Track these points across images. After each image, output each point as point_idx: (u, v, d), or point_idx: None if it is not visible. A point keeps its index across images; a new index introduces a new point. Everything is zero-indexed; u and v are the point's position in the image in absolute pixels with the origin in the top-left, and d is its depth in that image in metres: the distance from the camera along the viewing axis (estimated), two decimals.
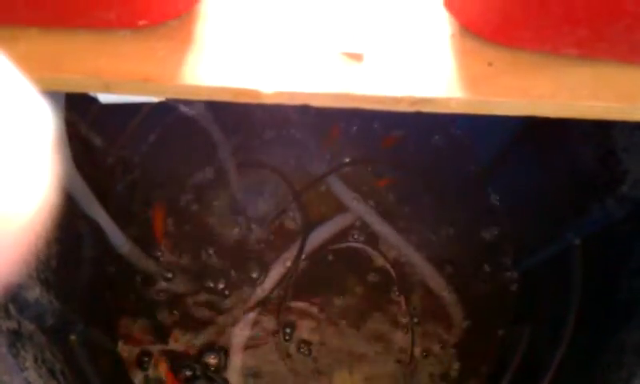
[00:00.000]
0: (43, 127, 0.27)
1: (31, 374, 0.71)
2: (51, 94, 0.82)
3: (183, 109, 1.17)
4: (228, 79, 0.56)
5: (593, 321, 1.02)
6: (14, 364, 0.68)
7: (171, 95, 0.59)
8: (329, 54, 0.59)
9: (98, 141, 1.11)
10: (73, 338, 0.92)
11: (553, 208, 1.17)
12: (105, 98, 0.73)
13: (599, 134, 1.01)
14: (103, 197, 1.04)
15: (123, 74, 0.56)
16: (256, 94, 0.57)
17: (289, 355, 1.24)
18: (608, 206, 1.01)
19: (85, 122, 1.05)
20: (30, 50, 0.56)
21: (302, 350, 1.24)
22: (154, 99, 0.71)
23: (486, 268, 1.31)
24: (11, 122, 0.25)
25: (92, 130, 1.08)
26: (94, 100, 0.76)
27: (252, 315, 1.27)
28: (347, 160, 1.41)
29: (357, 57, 0.58)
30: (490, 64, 0.59)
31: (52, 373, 0.77)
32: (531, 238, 1.25)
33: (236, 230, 1.34)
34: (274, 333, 1.26)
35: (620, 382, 0.83)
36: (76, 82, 0.56)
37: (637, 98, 0.58)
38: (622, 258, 0.98)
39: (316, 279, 1.31)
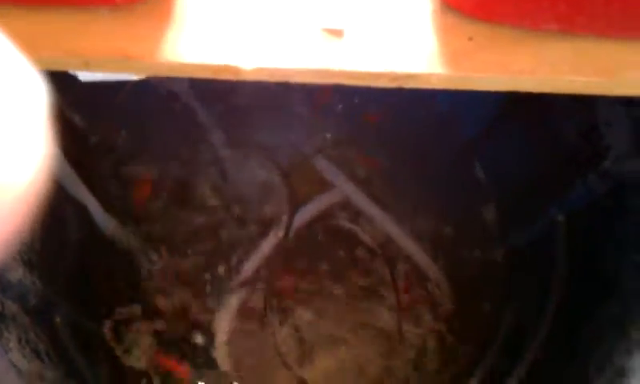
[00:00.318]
0: (35, 101, 0.27)
1: (15, 355, 0.70)
2: None
3: (167, 86, 1.16)
4: (208, 56, 0.56)
5: (577, 295, 1.03)
6: None
7: (151, 73, 0.58)
8: (309, 31, 0.58)
9: (79, 120, 1.10)
10: (57, 319, 0.92)
11: (537, 184, 1.18)
12: (85, 75, 0.72)
13: (582, 109, 1.01)
14: (87, 177, 1.04)
15: (103, 52, 0.55)
16: (236, 70, 0.56)
17: (274, 334, 1.24)
18: (590, 181, 1.01)
19: (66, 101, 1.04)
20: (8, 29, 0.56)
21: (288, 328, 1.25)
22: (134, 77, 0.71)
23: (472, 244, 1.32)
24: (3, 95, 0.25)
25: (73, 110, 1.07)
26: (74, 78, 0.75)
27: (238, 294, 1.26)
28: (329, 137, 1.41)
29: (337, 33, 0.58)
30: (470, 39, 0.59)
31: (36, 353, 0.77)
32: (516, 214, 1.26)
33: (222, 209, 1.33)
34: (260, 311, 1.26)
35: (603, 355, 0.84)
36: (55, 61, 0.56)
37: (616, 73, 0.58)
38: (604, 233, 0.99)
39: (302, 257, 1.31)
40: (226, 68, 0.56)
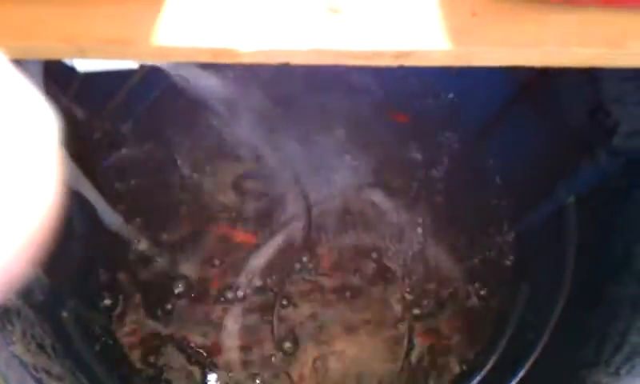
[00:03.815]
0: (47, 134, 0.28)
1: (19, 348, 0.70)
2: (28, 64, 0.81)
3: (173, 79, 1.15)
4: (205, 39, 0.55)
5: (589, 276, 1.02)
6: (1, 338, 0.68)
7: (147, 58, 0.57)
8: (308, 10, 0.57)
9: (82, 114, 1.10)
10: (64, 314, 0.91)
11: (547, 168, 1.17)
12: (82, 67, 0.72)
13: (589, 89, 1.00)
14: (90, 173, 1.03)
15: (98, 39, 0.54)
16: (234, 53, 0.55)
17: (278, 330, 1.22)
18: (600, 160, 1.00)
19: (67, 95, 1.03)
20: (2, 18, 0.55)
21: (291, 323, 1.24)
22: (132, 66, 0.70)
23: (483, 230, 1.31)
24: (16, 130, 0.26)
25: (75, 103, 1.07)
26: (75, 72, 0.74)
27: (247, 292, 1.25)
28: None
29: (335, 10, 0.57)
30: (473, 14, 0.58)
31: (41, 347, 0.76)
32: (527, 198, 1.24)
33: (233, 207, 1.32)
34: (269, 311, 1.24)
35: (617, 335, 0.83)
36: (50, 49, 0.55)
37: (623, 43, 0.57)
38: (616, 212, 0.98)
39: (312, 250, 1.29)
40: (224, 51, 0.55)
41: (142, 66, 0.79)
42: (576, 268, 1.06)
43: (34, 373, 0.69)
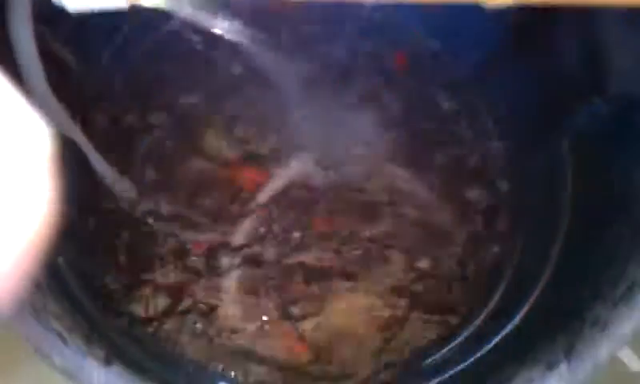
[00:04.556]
0: (39, 148, 0.29)
1: None
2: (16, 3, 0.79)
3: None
4: None
5: (586, 222, 1.03)
6: None
7: None
8: None
9: (73, 61, 1.08)
10: (60, 259, 0.92)
11: (540, 115, 1.17)
12: (72, 4, 0.70)
13: (584, 32, 0.99)
14: (82, 122, 1.02)
15: None
16: None
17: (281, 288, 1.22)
18: (595, 105, 1.00)
19: (58, 40, 1.02)
20: None
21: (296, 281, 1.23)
22: (121, 4, 0.69)
23: (476, 180, 1.30)
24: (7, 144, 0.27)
25: (67, 50, 1.05)
26: (68, 17, 0.73)
27: (245, 247, 1.24)
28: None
29: None
30: None
31: (37, 285, 0.76)
32: (521, 144, 1.24)
33: (230, 157, 1.30)
34: (270, 266, 1.23)
35: (615, 273, 0.84)
36: None
37: None
38: (610, 157, 0.98)
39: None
40: None
41: (136, 11, 0.78)
42: (572, 215, 1.07)
43: (31, 311, 0.69)
